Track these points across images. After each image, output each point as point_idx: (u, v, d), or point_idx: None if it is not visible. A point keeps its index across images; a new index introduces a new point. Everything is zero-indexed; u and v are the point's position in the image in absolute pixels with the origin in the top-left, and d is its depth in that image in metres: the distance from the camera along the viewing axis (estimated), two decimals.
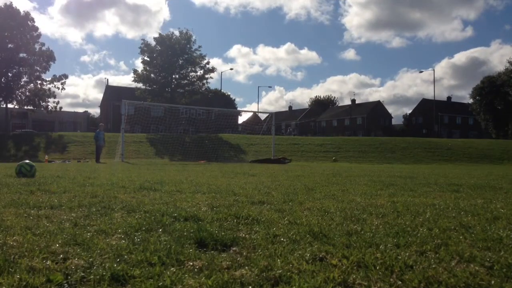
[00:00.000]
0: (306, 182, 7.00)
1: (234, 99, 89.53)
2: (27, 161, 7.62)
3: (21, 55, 42.02)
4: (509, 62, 57.40)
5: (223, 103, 54.56)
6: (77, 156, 26.77)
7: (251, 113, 60.88)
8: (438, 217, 3.41)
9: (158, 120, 38.43)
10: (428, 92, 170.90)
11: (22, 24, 41.04)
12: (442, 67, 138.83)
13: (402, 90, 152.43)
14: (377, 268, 2.02)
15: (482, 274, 1.95)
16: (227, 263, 2.07)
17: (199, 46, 44.88)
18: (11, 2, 41.03)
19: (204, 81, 44.98)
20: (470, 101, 64.45)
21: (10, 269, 1.91)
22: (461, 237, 2.66)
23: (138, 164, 17.07)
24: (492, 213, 3.66)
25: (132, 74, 44.05)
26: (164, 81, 43.47)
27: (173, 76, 43.87)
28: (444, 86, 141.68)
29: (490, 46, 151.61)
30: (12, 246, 2.28)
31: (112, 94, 61.78)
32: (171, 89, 43.86)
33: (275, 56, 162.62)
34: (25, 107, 46.09)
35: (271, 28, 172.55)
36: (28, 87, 43.07)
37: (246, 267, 2.01)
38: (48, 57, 42.83)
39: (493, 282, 1.85)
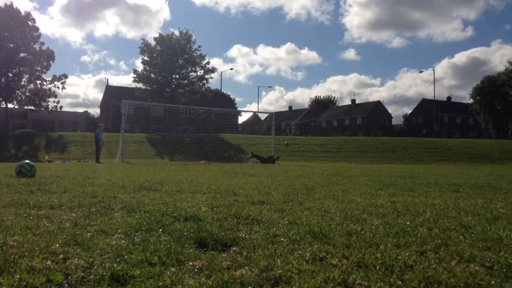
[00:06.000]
0: (306, 182, 7.00)
1: (234, 99, 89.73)
2: (27, 161, 7.62)
3: (21, 55, 42.08)
4: (509, 62, 57.44)
5: (223, 103, 54.60)
6: (77, 156, 26.77)
7: (251, 113, 60.82)
8: (438, 217, 3.41)
9: (158, 120, 38.44)
10: (428, 92, 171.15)
11: (23, 24, 41.09)
12: (442, 67, 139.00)
13: (402, 90, 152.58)
14: (377, 268, 2.02)
15: (482, 274, 1.95)
16: (227, 263, 2.07)
17: (199, 46, 44.94)
18: (12, 2, 41.11)
19: (204, 81, 45.00)
20: (470, 101, 64.49)
21: (10, 269, 1.91)
22: (461, 237, 2.66)
23: (138, 164, 17.07)
24: (492, 213, 3.66)
25: (132, 74, 44.09)
26: (164, 81, 43.47)
27: (173, 76, 43.87)
28: (444, 86, 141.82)
29: (490, 46, 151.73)
30: (12, 246, 2.28)
31: (112, 94, 61.76)
32: (171, 89, 43.86)
33: (275, 56, 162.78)
34: (25, 107, 46.14)
35: (271, 28, 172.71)
36: (29, 87, 43.14)
37: (246, 267, 2.01)
38: (48, 57, 42.89)
39: (493, 282, 1.85)
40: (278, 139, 31.39)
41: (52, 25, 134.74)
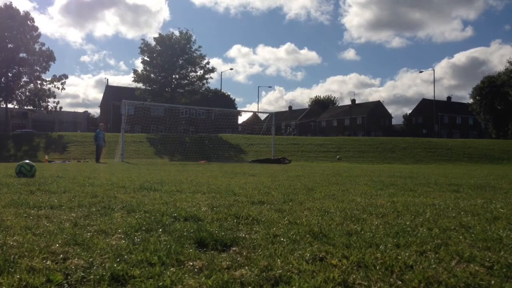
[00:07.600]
0: (306, 182, 7.00)
1: (234, 99, 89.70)
2: (27, 161, 7.62)
3: (21, 55, 42.06)
4: (509, 62, 57.41)
5: (223, 103, 54.60)
6: (77, 156, 26.75)
7: (251, 113, 60.74)
8: (438, 217, 3.41)
9: (158, 120, 38.46)
10: (428, 92, 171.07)
11: (22, 24, 41.07)
12: (442, 67, 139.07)
13: (402, 90, 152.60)
14: (377, 268, 2.02)
15: (482, 274, 1.95)
16: (227, 263, 2.07)
17: (199, 46, 44.86)
18: (11, 2, 41.09)
19: (204, 81, 44.99)
20: (470, 101, 64.46)
21: (10, 269, 1.91)
22: (461, 237, 2.66)
23: (138, 164, 17.06)
24: (492, 213, 3.66)
25: (132, 74, 44.05)
26: (164, 81, 43.46)
27: (173, 76, 43.85)
28: (444, 86, 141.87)
29: (490, 46, 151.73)
30: (12, 246, 2.28)
31: (112, 94, 61.73)
32: (171, 89, 43.84)
33: (275, 56, 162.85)
34: (25, 107, 46.11)
35: (271, 28, 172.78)
36: (28, 87, 43.12)
37: (246, 267, 2.01)
38: (48, 57, 42.88)
39: (493, 282, 1.85)
40: (278, 139, 31.38)
41: (51, 25, 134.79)
